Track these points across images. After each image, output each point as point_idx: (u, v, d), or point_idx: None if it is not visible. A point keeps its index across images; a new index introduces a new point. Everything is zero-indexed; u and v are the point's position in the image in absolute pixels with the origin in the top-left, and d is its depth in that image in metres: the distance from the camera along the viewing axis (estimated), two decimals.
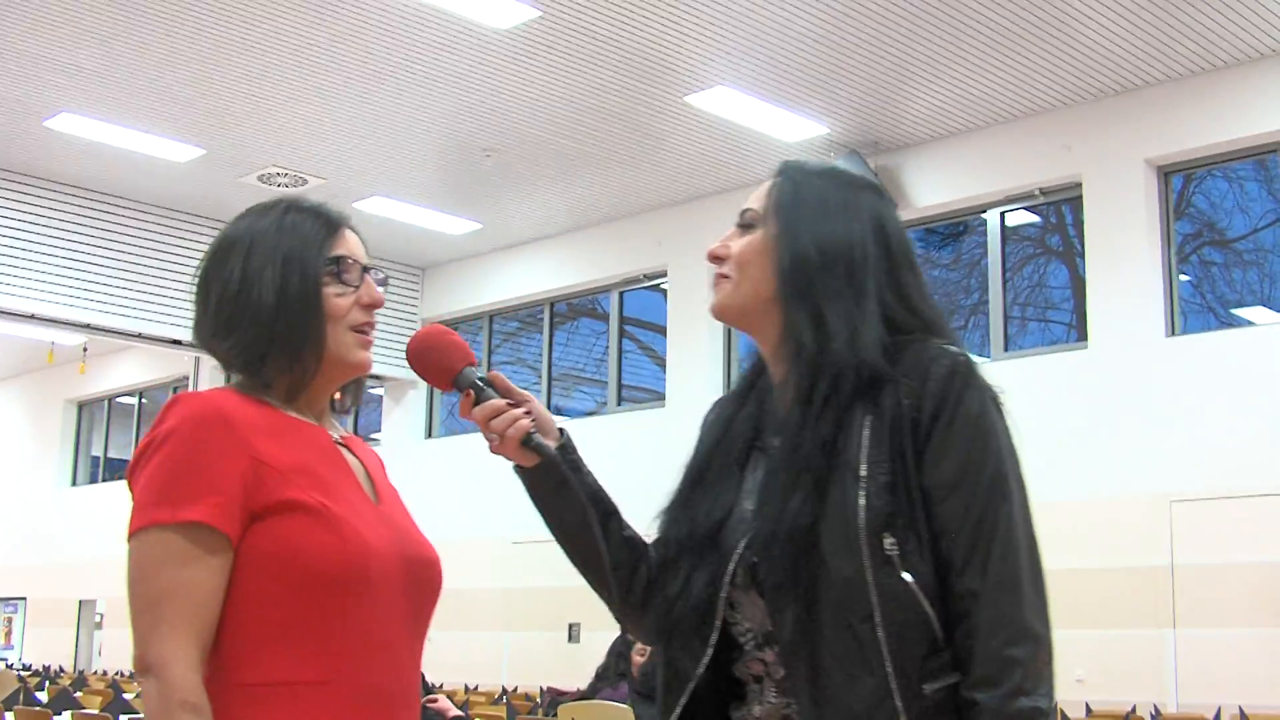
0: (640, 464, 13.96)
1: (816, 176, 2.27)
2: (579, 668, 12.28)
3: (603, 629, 13.60)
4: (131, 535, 2.04)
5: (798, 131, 12.49)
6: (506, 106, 12.15)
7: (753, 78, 11.45)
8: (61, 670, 19.65)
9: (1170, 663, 10.42)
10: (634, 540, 2.33)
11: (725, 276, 2.26)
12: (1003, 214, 12.63)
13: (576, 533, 2.27)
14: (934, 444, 2.05)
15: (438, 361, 2.26)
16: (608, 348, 15.70)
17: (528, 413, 2.23)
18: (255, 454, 2.04)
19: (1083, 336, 11.88)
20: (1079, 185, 11.89)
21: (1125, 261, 11.46)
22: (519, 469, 2.28)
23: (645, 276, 15.13)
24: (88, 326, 15.01)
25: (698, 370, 14.12)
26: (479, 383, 2.23)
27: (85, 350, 18.75)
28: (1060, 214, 12.73)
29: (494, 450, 2.25)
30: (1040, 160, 12.08)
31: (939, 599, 2.03)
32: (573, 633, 14.29)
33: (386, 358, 16.55)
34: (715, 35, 10.71)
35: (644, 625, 2.31)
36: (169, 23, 10.73)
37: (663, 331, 15.11)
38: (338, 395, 2.36)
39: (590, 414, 15.70)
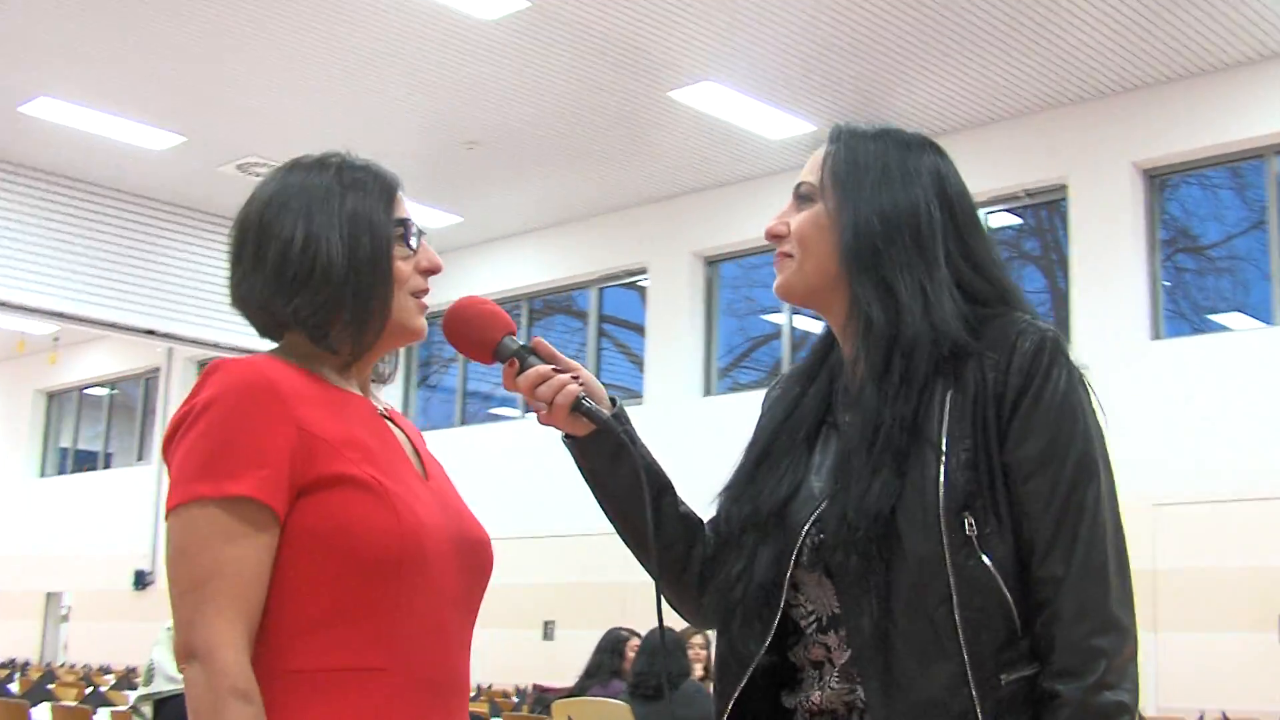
0: None
1: (872, 140, 2.15)
2: (555, 665, 12.20)
3: (578, 627, 13.55)
4: (171, 511, 1.88)
5: (783, 129, 12.43)
6: (491, 99, 12.06)
7: (740, 74, 11.40)
8: (28, 663, 19.46)
9: (1151, 666, 10.39)
10: (690, 517, 2.23)
11: (787, 255, 2.15)
12: (988, 215, 12.60)
13: (629, 507, 2.16)
14: (1019, 421, 1.95)
15: (476, 334, 2.14)
16: (584, 345, 15.62)
17: (576, 378, 2.12)
18: (303, 425, 1.91)
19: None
20: (1065, 187, 11.87)
21: (1110, 264, 11.45)
22: (568, 439, 2.17)
23: (626, 273, 15.05)
24: (60, 315, 14.82)
25: (677, 368, 14.05)
26: (522, 350, 2.13)
27: (57, 340, 18.58)
28: (1039, 217, 12.74)
29: (543, 420, 2.14)
30: (1026, 161, 12.06)
31: (1018, 585, 1.93)
32: (548, 630, 14.20)
33: None
34: (703, 30, 10.64)
35: (700, 605, 2.20)
36: (150, 6, 10.60)
37: (636, 329, 15.04)
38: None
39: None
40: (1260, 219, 11.62)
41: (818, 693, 2.05)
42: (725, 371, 14.50)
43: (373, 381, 2.20)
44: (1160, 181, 11.76)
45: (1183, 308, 11.97)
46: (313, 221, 2.03)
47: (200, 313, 14.99)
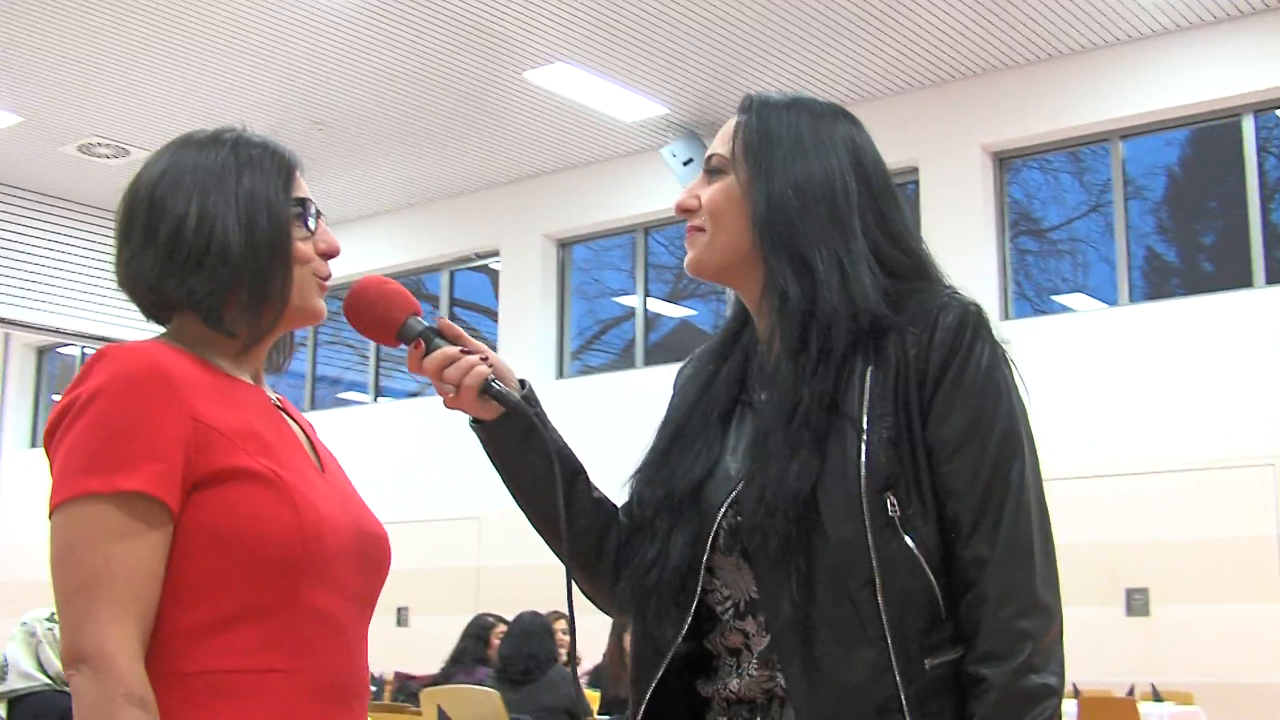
0: (469, 446, 13.85)
1: (784, 109, 2.11)
2: (408, 652, 12.06)
3: (431, 613, 13.44)
4: (55, 509, 1.80)
5: (636, 111, 12.40)
6: (340, 79, 11.86)
7: (594, 55, 11.34)
8: None
9: None
10: (604, 502, 2.17)
11: (699, 229, 2.11)
12: None
13: (540, 492, 2.10)
14: (941, 398, 1.92)
15: (379, 314, 2.09)
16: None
17: (484, 359, 2.06)
18: (197, 415, 1.83)
19: None
20: (916, 170, 12.01)
21: (961, 245, 11.59)
22: (476, 424, 2.11)
23: (477, 256, 14.92)
24: None
25: (529, 351, 13.95)
26: (428, 332, 2.07)
27: None
28: None
29: (449, 404, 2.07)
30: (878, 144, 12.13)
31: (941, 567, 1.90)
32: (401, 617, 14.05)
33: None
34: (557, 11, 10.56)
35: (615, 593, 2.13)
36: None
37: (488, 313, 14.94)
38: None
39: (414, 395, 15.46)
40: (1098, 202, 11.87)
41: (736, 680, 2.01)
42: (576, 354, 14.46)
43: (266, 371, 2.12)
44: (1007, 164, 11.96)
45: (1025, 289, 12.18)
46: (208, 199, 1.95)
47: (39, 297, 14.56)
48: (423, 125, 12.85)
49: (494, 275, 14.92)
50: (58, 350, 19.23)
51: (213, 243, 1.93)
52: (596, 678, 8.76)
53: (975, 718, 1.84)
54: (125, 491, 1.76)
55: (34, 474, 17.03)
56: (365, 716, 1.99)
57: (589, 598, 2.21)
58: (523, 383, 2.13)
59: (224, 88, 12.05)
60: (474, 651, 8.32)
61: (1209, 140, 11.51)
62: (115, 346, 1.86)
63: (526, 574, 12.26)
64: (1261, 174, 10.78)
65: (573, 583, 2.10)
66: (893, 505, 1.89)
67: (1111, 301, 11.36)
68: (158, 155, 2.06)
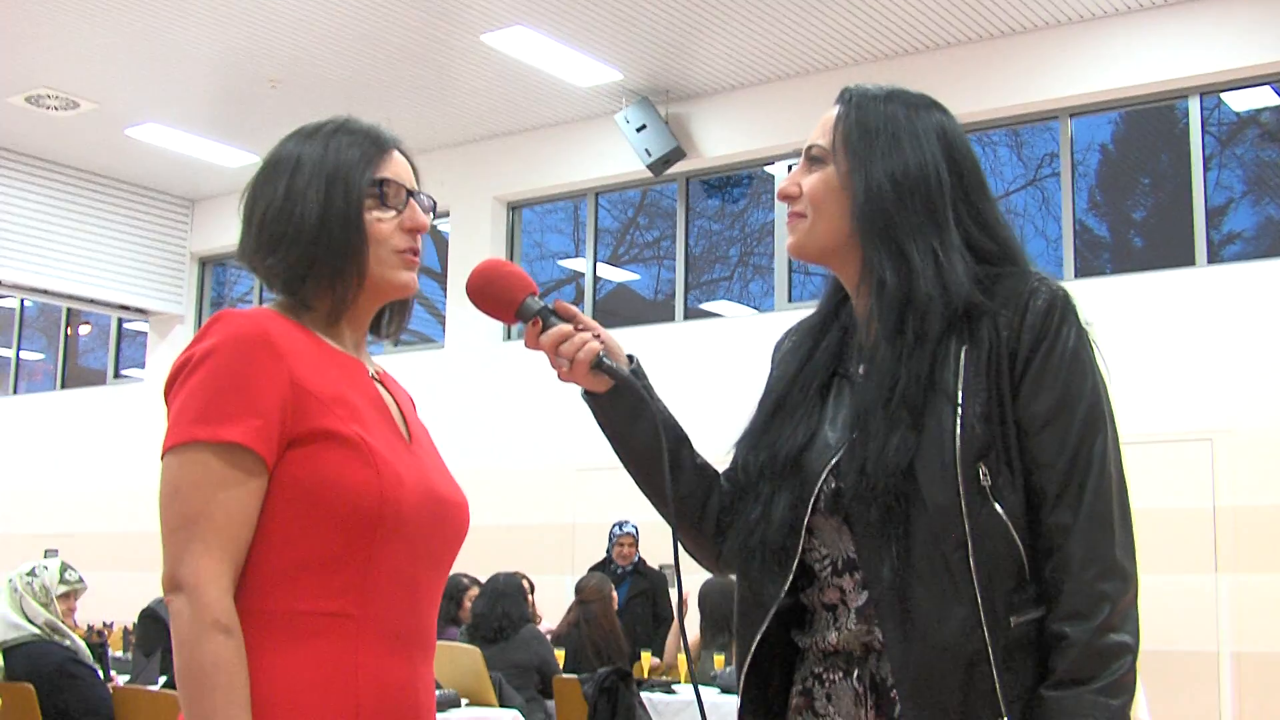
0: (418, 405, 13.88)
1: (881, 101, 2.25)
2: None
3: None
4: (167, 451, 1.99)
5: (591, 76, 12.45)
6: (295, 36, 11.81)
7: (551, 19, 11.35)
8: None
9: None
10: (706, 468, 2.32)
11: (800, 215, 2.25)
12: (790, 167, 12.82)
13: (647, 460, 2.25)
14: (1031, 376, 2.07)
15: (500, 294, 2.24)
16: None
17: (596, 336, 2.21)
18: (296, 379, 2.02)
19: None
20: None
21: None
22: (589, 396, 2.26)
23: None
24: None
25: (478, 314, 13.97)
26: (545, 310, 2.21)
27: None
28: None
29: (563, 378, 2.23)
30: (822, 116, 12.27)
31: (1027, 533, 2.05)
32: None
33: (153, 291, 16.07)
34: None
35: (717, 552, 2.30)
36: None
37: (433, 276, 14.97)
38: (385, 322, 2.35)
39: None
40: (1034, 176, 12.08)
41: (834, 634, 2.16)
42: None
43: (377, 338, 2.33)
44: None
45: None
46: (295, 183, 2.16)
47: None
48: (377, 84, 12.83)
49: (441, 237, 14.94)
50: None
51: (293, 221, 2.14)
52: (561, 638, 8.90)
53: (1057, 672, 1.99)
54: (227, 442, 1.96)
55: None
56: (429, 665, 2.16)
57: (693, 556, 2.37)
58: (631, 358, 2.28)
59: (178, 42, 11.96)
60: (446, 612, 8.42)
61: (1143, 119, 11.74)
62: (232, 311, 2.08)
63: (499, 534, 12.42)
64: (1204, 155, 11.02)
65: (679, 541, 2.26)
66: (984, 474, 2.03)
67: (1053, 276, 11.56)
68: (275, 146, 2.26)
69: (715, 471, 2.34)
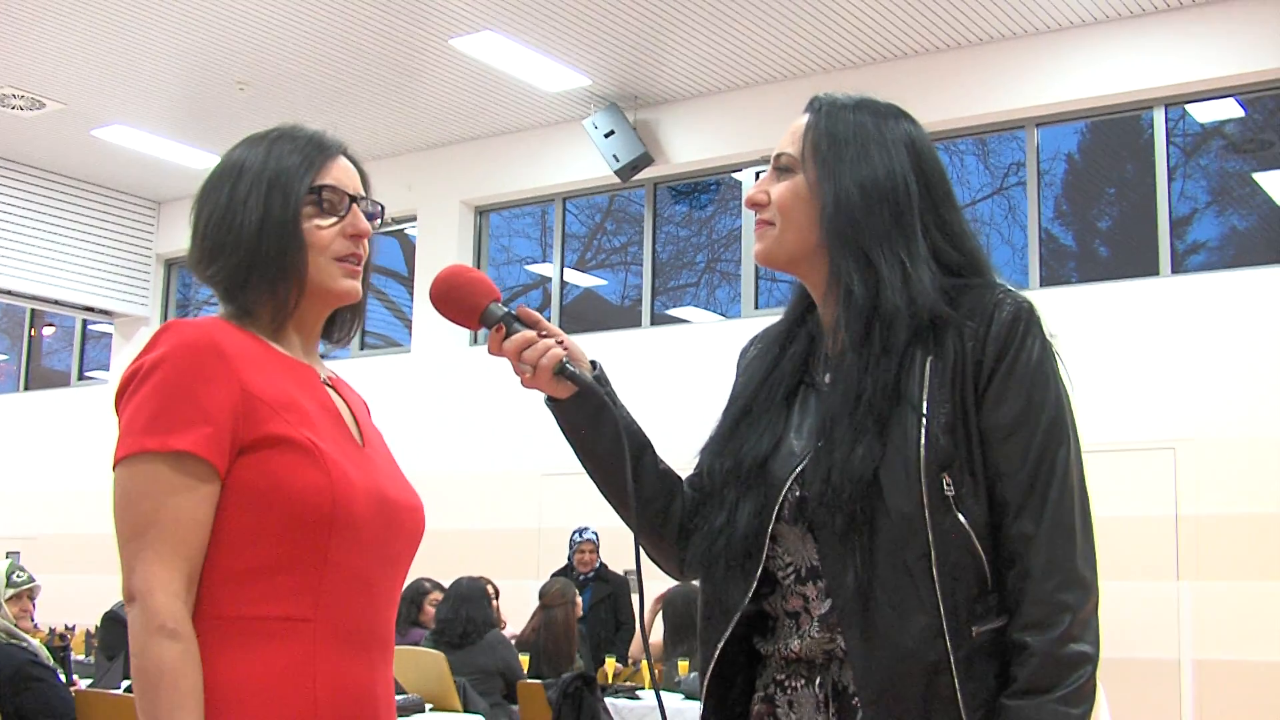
0: (384, 409, 13.90)
1: (851, 110, 2.26)
2: None
3: None
4: (118, 463, 2.01)
5: (559, 81, 12.45)
6: (264, 38, 11.78)
7: (520, 25, 11.35)
8: None
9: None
10: (669, 474, 2.33)
11: (768, 223, 2.26)
12: (758, 174, 12.84)
13: (610, 466, 2.26)
14: (994, 387, 2.08)
15: (463, 300, 2.25)
16: None
17: (560, 343, 2.22)
18: (245, 386, 2.04)
19: None
20: None
21: None
22: (551, 402, 2.27)
23: (393, 220, 14.91)
24: None
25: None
26: (508, 317, 2.21)
27: None
28: None
29: (526, 384, 2.23)
30: (788, 124, 12.29)
31: (989, 542, 2.06)
32: None
33: (118, 293, 15.99)
34: None
35: (679, 558, 2.31)
36: None
37: (399, 279, 14.94)
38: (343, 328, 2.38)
39: (322, 357, 15.43)
40: (1001, 185, 12.14)
41: (797, 641, 2.17)
42: None
43: (330, 342, 2.34)
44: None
45: None
46: (236, 192, 2.18)
47: None
48: (346, 88, 12.81)
49: (408, 241, 14.92)
50: None
51: (232, 231, 2.16)
52: (526, 643, 8.90)
53: (1018, 681, 2.00)
54: (177, 451, 1.97)
55: None
56: (388, 666, 2.19)
57: (656, 563, 2.38)
58: (594, 364, 2.29)
59: (145, 43, 11.92)
60: (407, 615, 8.43)
61: (1109, 129, 11.80)
62: (180, 321, 2.10)
63: (464, 538, 12.39)
64: (1169, 166, 11.09)
65: (640, 547, 2.28)
66: (948, 484, 2.05)
67: (1018, 285, 11.53)
68: (225, 153, 2.28)
69: (678, 477, 2.35)
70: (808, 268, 2.26)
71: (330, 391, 2.23)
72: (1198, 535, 10.17)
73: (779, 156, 2.27)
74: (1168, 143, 11.09)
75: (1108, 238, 12.23)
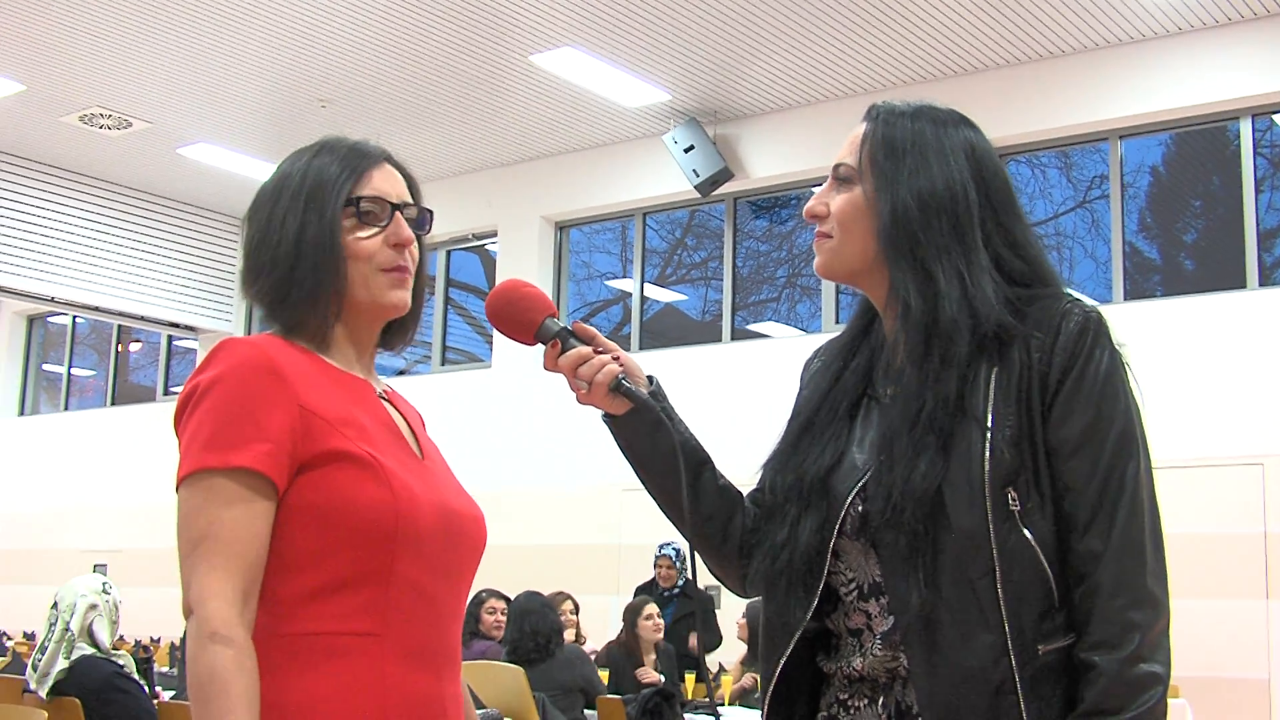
0: (465, 425, 13.98)
1: (909, 118, 2.20)
2: None
3: None
4: (181, 482, 2.01)
5: (640, 97, 12.48)
6: (346, 57, 11.90)
7: (600, 40, 11.40)
8: None
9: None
10: (729, 490, 2.30)
11: (827, 235, 2.23)
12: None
13: (667, 482, 2.24)
14: (1062, 400, 2.03)
15: (519, 315, 2.23)
16: (430, 307, 15.53)
17: (616, 359, 2.20)
18: (303, 403, 2.03)
19: None
20: None
21: None
22: (608, 418, 2.25)
23: (474, 236, 15.00)
24: None
25: None
26: (564, 332, 2.20)
27: None
28: None
29: (582, 400, 2.22)
30: None
31: (1056, 559, 2.01)
32: None
33: (202, 309, 16.18)
34: None
35: (742, 574, 2.28)
36: None
37: (481, 294, 15.00)
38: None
39: (400, 373, 15.56)
40: (1084, 198, 12.02)
41: (860, 660, 2.12)
42: None
43: (388, 351, 2.32)
44: (1005, 160, 12.06)
45: None
46: (278, 208, 2.17)
47: (34, 265, 14.57)
48: (426, 105, 12.90)
49: (490, 256, 14.98)
50: (48, 319, 19.23)
51: (270, 249, 2.15)
52: (605, 658, 8.88)
53: (1085, 702, 1.95)
54: (236, 468, 1.96)
55: (22, 442, 16.90)
56: (456, 679, 2.16)
57: (719, 579, 2.36)
58: (651, 379, 2.27)
59: (229, 62, 12.08)
60: (466, 625, 8.41)
61: (1194, 140, 11.66)
62: (234, 339, 2.08)
63: (545, 553, 12.40)
64: (1256, 177, 10.94)
65: (699, 560, 2.25)
66: (1013, 500, 2.00)
67: (1101, 299, 11.48)
68: (275, 169, 2.27)
69: (739, 493, 2.31)
70: (868, 280, 2.22)
71: (386, 405, 2.21)
72: None
73: (838, 167, 2.22)
74: (1254, 153, 10.94)
75: (1193, 251, 12.07)
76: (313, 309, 2.14)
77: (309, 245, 2.12)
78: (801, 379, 2.38)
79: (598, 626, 10.50)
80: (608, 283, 14.78)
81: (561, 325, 2.21)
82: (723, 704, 7.93)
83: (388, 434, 2.14)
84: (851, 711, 2.15)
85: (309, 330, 2.16)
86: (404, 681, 2.02)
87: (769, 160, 12.90)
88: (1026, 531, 1.99)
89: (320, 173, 2.17)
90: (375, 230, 2.16)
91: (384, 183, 2.20)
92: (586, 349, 2.19)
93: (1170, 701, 7.29)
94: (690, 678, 8.70)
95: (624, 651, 8.54)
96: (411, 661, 2.04)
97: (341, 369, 2.17)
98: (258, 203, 2.20)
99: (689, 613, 10.35)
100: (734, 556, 2.28)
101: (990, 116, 11.79)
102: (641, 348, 13.66)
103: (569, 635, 8.57)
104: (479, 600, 8.74)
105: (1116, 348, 2.09)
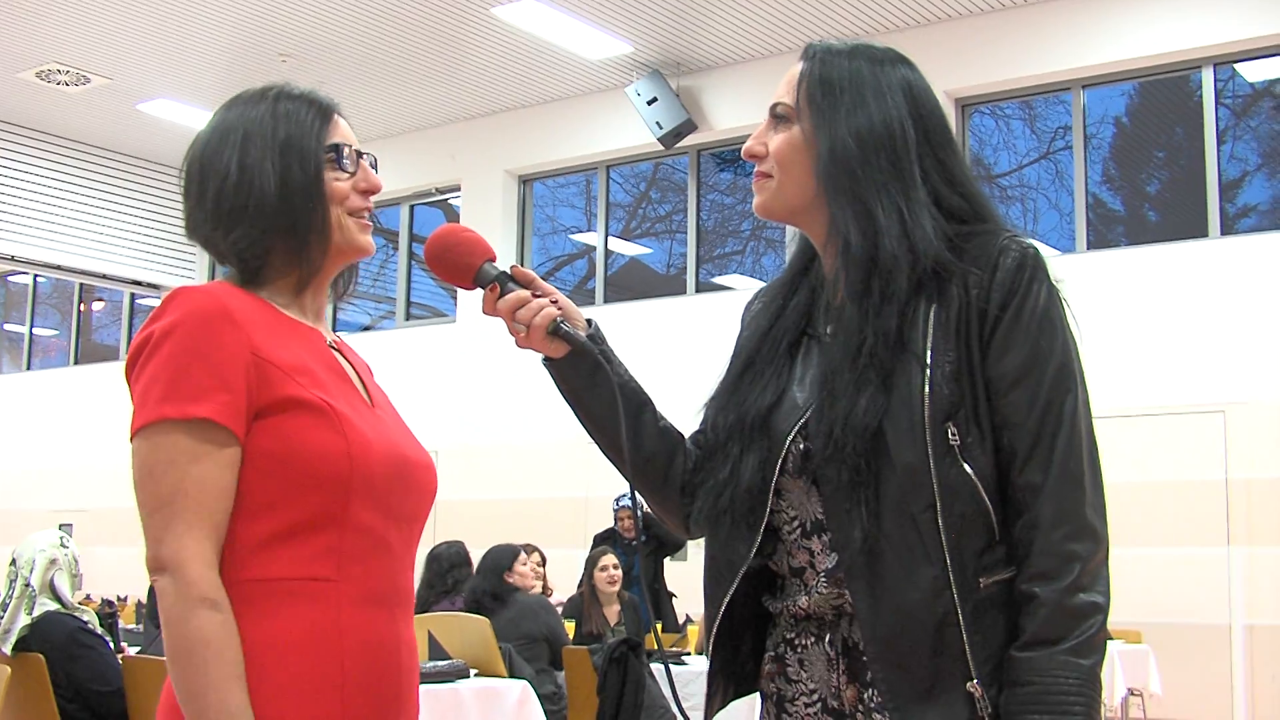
0: (430, 379, 13.98)
1: (845, 57, 2.19)
2: None
3: None
4: (136, 433, 2.01)
5: (602, 49, 12.43)
6: (306, 10, 11.82)
7: None
8: None
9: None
10: (670, 431, 2.30)
11: (766, 175, 2.21)
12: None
13: (608, 424, 2.23)
14: (1000, 335, 2.03)
15: (458, 260, 2.22)
16: (394, 263, 15.49)
17: (554, 302, 2.19)
18: (257, 350, 2.03)
19: None
20: None
21: None
22: (548, 362, 2.25)
23: (437, 190, 14.94)
24: None
25: None
26: (502, 276, 2.20)
27: None
28: None
29: (520, 344, 2.21)
30: None
31: (997, 493, 2.02)
32: None
33: (166, 267, 16.09)
34: None
35: (684, 515, 2.28)
36: None
37: None
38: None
39: (366, 329, 15.51)
40: (1047, 149, 12.04)
41: (805, 598, 2.13)
42: None
43: (336, 296, 2.35)
44: (968, 110, 12.10)
45: None
46: (248, 155, 2.15)
47: None
48: (388, 59, 12.84)
49: (453, 210, 14.93)
50: (9, 278, 19.12)
51: (252, 195, 2.13)
52: (571, 610, 8.90)
53: (1027, 633, 1.96)
54: (197, 418, 1.96)
55: None
56: (411, 625, 2.19)
57: (662, 521, 2.36)
58: (590, 322, 2.26)
59: (188, 17, 11.98)
60: (451, 576, 8.40)
61: (1157, 91, 11.69)
62: (187, 287, 2.07)
63: (511, 507, 12.40)
64: (1218, 127, 10.97)
65: (641, 501, 2.28)
66: (953, 434, 2.00)
67: (1065, 249, 11.53)
68: (212, 116, 2.24)
69: (680, 434, 2.31)
70: (807, 219, 2.21)
71: (336, 354, 2.23)
72: (1248, 499, 10.09)
73: (775, 106, 2.21)
74: (1216, 103, 10.96)
75: (1156, 201, 12.12)
76: (298, 255, 2.15)
77: (296, 193, 2.13)
78: (742, 320, 2.39)
79: (566, 579, 10.51)
80: (572, 236, 14.76)
81: (500, 269, 2.20)
82: (689, 653, 7.96)
83: (340, 381, 2.15)
84: (799, 650, 2.16)
85: (290, 278, 2.17)
86: (361, 625, 2.03)
87: (732, 112, 12.87)
88: (966, 466, 2.00)
89: (291, 117, 2.17)
90: (347, 175, 2.19)
91: (345, 131, 2.23)
92: (524, 292, 2.18)
93: (1133, 647, 7.43)
94: (658, 626, 8.73)
95: (585, 603, 8.57)
96: (367, 604, 2.05)
97: (294, 318, 2.18)
98: (214, 148, 2.16)
99: (653, 551, 10.28)
100: (676, 497, 2.28)
101: (953, 67, 11.88)
102: (606, 301, 13.66)
103: (536, 588, 8.57)
104: (461, 555, 8.74)
105: (1054, 283, 2.09)
